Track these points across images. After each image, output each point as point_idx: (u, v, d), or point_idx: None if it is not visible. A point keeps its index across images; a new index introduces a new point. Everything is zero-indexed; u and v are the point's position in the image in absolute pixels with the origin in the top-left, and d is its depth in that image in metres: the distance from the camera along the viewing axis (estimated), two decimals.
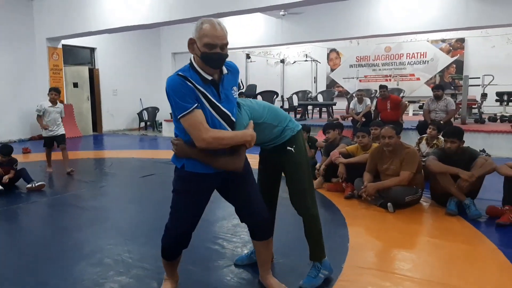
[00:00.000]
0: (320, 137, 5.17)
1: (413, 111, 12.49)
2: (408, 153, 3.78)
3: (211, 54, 1.79)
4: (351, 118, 8.18)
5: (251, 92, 11.64)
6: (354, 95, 8.73)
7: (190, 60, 1.89)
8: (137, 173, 5.64)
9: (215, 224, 3.36)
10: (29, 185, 4.56)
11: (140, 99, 12.82)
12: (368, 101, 8.21)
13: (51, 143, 5.65)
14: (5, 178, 4.58)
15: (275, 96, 10.85)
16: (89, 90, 11.36)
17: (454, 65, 12.63)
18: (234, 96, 1.97)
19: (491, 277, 2.39)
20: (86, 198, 4.39)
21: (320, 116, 11.09)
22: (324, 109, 10.70)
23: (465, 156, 3.78)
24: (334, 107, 10.50)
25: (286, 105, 11.75)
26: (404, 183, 3.71)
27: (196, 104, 1.80)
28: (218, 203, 2.68)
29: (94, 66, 11.83)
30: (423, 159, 4.60)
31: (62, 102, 5.50)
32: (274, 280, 2.25)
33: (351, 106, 8.34)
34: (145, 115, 12.67)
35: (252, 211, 2.09)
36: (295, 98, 12.21)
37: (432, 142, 5.05)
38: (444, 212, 3.61)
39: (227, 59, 1.91)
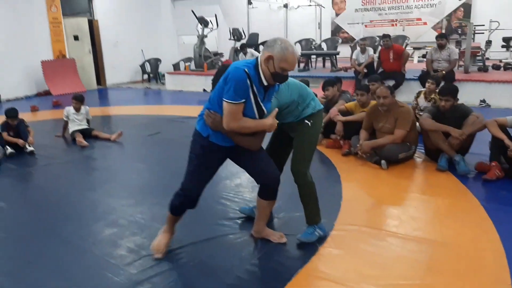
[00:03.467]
0: (321, 91, 5.25)
1: (418, 57, 12.34)
2: (402, 111, 3.92)
3: (282, 75, 2.11)
4: (354, 69, 8.17)
5: (253, 41, 11.48)
6: (357, 44, 8.63)
7: (257, 60, 2.11)
8: (143, 131, 5.85)
9: (219, 184, 3.59)
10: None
11: (142, 51, 12.73)
12: (371, 51, 8.15)
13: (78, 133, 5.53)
14: (31, 139, 4.85)
15: None
16: (90, 42, 11.31)
17: (462, 9, 12.25)
18: (273, 98, 2.29)
19: (469, 231, 2.63)
20: (97, 158, 4.64)
21: (324, 66, 11.02)
22: (327, 58, 10.61)
23: (458, 113, 3.91)
24: (338, 55, 10.41)
25: None
26: (398, 141, 3.89)
27: (243, 100, 2.08)
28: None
29: (93, 17, 11.66)
30: (421, 113, 4.74)
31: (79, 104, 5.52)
32: (270, 230, 2.59)
33: (354, 56, 8.29)
34: (148, 67, 12.66)
35: (262, 171, 2.35)
36: (298, 46, 12.05)
37: (430, 97, 5.14)
38: (435, 167, 3.81)
39: None
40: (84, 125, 5.56)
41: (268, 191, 2.42)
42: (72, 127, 5.48)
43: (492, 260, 2.29)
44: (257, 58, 2.14)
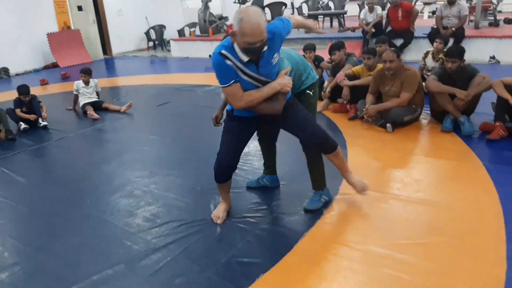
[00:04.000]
0: (327, 54, 5.22)
1: (429, 12, 12.00)
2: (408, 75, 3.92)
3: (250, 49, 2.00)
4: (361, 28, 8.03)
5: (258, 3, 11.23)
6: (365, 3, 8.42)
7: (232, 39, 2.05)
8: (152, 101, 5.94)
9: None
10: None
11: (146, 17, 12.58)
12: (379, 9, 7.96)
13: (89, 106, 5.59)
14: (44, 115, 5.02)
15: (284, 7, 10.51)
16: (94, 12, 11.21)
17: None
18: (275, 62, 2.18)
19: (470, 193, 2.73)
20: (108, 131, 4.77)
21: (331, 26, 10.82)
22: (335, 17, 10.41)
23: (464, 74, 3.90)
24: (346, 14, 10.20)
25: (297, 14, 11.43)
26: (404, 104, 3.92)
27: (233, 80, 2.11)
28: None
29: None
30: (429, 74, 4.72)
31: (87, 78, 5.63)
32: (355, 179, 2.59)
33: (361, 16, 8.11)
34: (153, 34, 12.55)
35: (308, 135, 2.36)
36: (304, 7, 11.80)
37: (438, 56, 5.08)
38: (440, 129, 3.86)
39: (277, 19, 2.22)
40: (94, 98, 5.67)
41: (319, 149, 2.47)
42: (82, 101, 5.60)
43: (490, 220, 2.39)
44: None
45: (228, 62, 2.08)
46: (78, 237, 2.57)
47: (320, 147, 2.45)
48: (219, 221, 2.57)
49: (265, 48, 2.05)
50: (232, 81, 2.11)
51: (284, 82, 2.20)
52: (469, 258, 2.08)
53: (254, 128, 2.52)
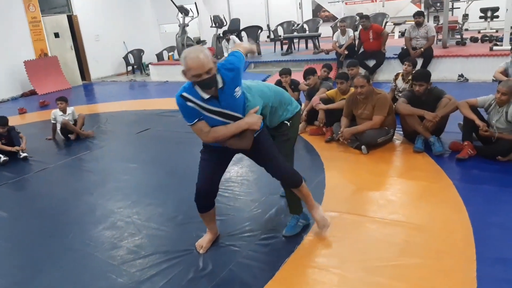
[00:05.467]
0: (301, 78, 5.42)
1: (399, 32, 12.47)
2: (379, 98, 4.11)
3: (200, 81, 2.10)
4: (335, 51, 8.31)
5: (235, 27, 11.49)
6: (338, 25, 8.74)
7: None
8: (132, 128, 5.98)
9: None
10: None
11: (124, 42, 12.68)
12: (350, 32, 8.27)
13: (66, 134, 5.72)
14: (23, 146, 5.01)
15: (260, 31, 10.77)
16: (71, 38, 11.23)
17: None
18: (238, 96, 2.26)
19: (441, 212, 2.86)
20: (89, 160, 4.78)
21: (307, 47, 11.13)
22: (310, 39, 10.72)
23: (432, 96, 4.11)
24: (320, 36, 10.53)
25: (272, 36, 11.71)
26: (376, 126, 4.10)
27: (196, 119, 2.22)
28: None
29: (72, 12, 11.55)
30: (400, 95, 4.94)
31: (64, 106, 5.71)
32: (318, 215, 2.65)
33: (334, 38, 8.41)
34: (131, 59, 12.63)
35: (275, 170, 2.50)
36: (280, 29, 12.10)
37: (407, 78, 5.31)
38: (412, 149, 4.04)
39: (229, 55, 2.30)
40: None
41: (283, 183, 2.63)
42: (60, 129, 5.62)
43: (460, 239, 2.53)
44: None
45: (190, 103, 2.18)
46: (62, 271, 2.59)
47: (283, 181, 2.61)
48: (201, 251, 2.63)
49: (220, 82, 2.15)
50: (196, 120, 2.23)
51: (252, 121, 2.27)
52: (440, 278, 2.20)
53: (230, 156, 2.60)
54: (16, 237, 3.11)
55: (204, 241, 2.68)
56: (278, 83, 5.62)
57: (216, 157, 2.49)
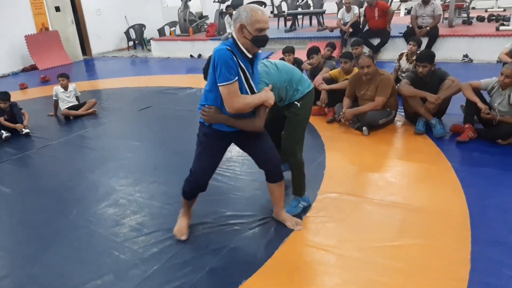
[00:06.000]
0: (305, 56, 5.38)
1: (406, 9, 12.25)
2: (382, 79, 4.09)
3: (261, 36, 2.14)
4: (339, 28, 8.19)
5: (238, 2, 11.28)
6: (343, 2, 8.59)
7: (233, 37, 2.17)
8: (134, 105, 5.98)
9: None
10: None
11: (125, 17, 12.50)
12: (356, 9, 8.14)
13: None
14: (25, 123, 5.03)
15: (263, 5, 10.57)
16: (72, 12, 11.09)
17: None
18: (259, 70, 2.34)
19: (438, 195, 2.90)
20: (91, 137, 4.81)
21: (311, 24, 10.96)
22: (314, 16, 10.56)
23: (435, 78, 4.09)
24: (326, 9, 10.37)
25: (276, 12, 11.53)
26: (378, 107, 4.09)
27: (236, 77, 2.13)
28: None
29: None
30: (403, 75, 4.91)
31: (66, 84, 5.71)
32: (287, 215, 2.69)
33: (339, 16, 8.30)
34: (132, 34, 12.49)
35: (265, 160, 2.50)
36: (284, 5, 11.90)
37: (412, 58, 5.27)
38: (413, 131, 4.04)
39: None
40: (74, 102, 5.70)
41: (271, 176, 2.56)
42: (62, 106, 5.62)
43: (456, 221, 2.57)
44: (232, 36, 2.20)
45: (235, 59, 2.13)
46: (67, 247, 2.65)
47: (276, 174, 2.55)
48: (183, 237, 2.58)
49: (259, 50, 2.21)
50: (236, 78, 2.13)
51: (268, 95, 2.28)
52: (435, 258, 2.26)
53: (229, 143, 2.52)
54: (20, 213, 3.17)
55: (183, 227, 2.63)
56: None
57: (220, 145, 2.45)
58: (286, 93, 2.54)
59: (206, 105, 2.31)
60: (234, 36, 2.18)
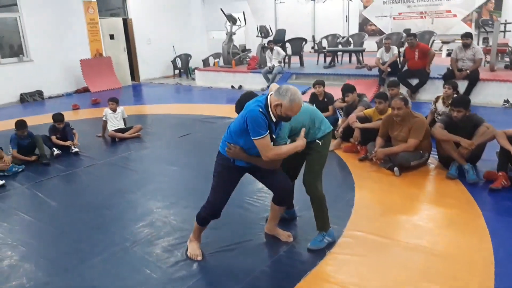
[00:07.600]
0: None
1: (447, 50, 12.20)
2: (416, 122, 4.15)
3: (286, 118, 2.49)
4: (378, 67, 8.31)
5: (280, 37, 11.70)
6: (383, 41, 8.74)
7: (267, 100, 2.49)
8: (175, 132, 6.31)
9: (242, 189, 3.94)
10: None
11: (173, 46, 13.21)
12: (395, 49, 8.26)
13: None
14: (75, 142, 5.46)
15: (304, 42, 10.92)
16: (125, 40, 11.90)
17: (493, 1, 11.98)
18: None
19: (465, 241, 2.90)
20: (134, 160, 5.12)
21: (350, 61, 11.15)
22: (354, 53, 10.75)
23: (470, 123, 4.10)
24: (365, 47, 10.53)
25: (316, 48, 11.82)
26: (411, 149, 4.14)
27: (267, 132, 2.47)
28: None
29: (127, 16, 12.22)
30: (439, 117, 4.93)
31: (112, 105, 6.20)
32: (279, 230, 3.05)
33: (378, 55, 8.42)
34: (179, 63, 13.15)
35: (277, 189, 2.82)
36: (324, 42, 12.19)
37: (447, 102, 5.28)
38: (445, 175, 4.04)
39: None
40: (121, 124, 6.11)
41: (280, 201, 2.89)
42: (110, 127, 6.03)
43: (480, 270, 2.57)
44: (266, 97, 2.49)
45: (266, 118, 2.46)
46: (103, 262, 2.86)
47: (284, 200, 2.91)
48: (199, 258, 2.82)
49: None
50: (267, 133, 2.45)
51: (301, 143, 2.60)
52: None
53: (244, 174, 2.82)
54: (64, 226, 3.44)
55: (196, 249, 2.87)
56: (313, 95, 5.83)
57: (236, 176, 2.76)
58: (308, 132, 2.77)
59: (231, 143, 2.61)
60: (269, 100, 2.47)
